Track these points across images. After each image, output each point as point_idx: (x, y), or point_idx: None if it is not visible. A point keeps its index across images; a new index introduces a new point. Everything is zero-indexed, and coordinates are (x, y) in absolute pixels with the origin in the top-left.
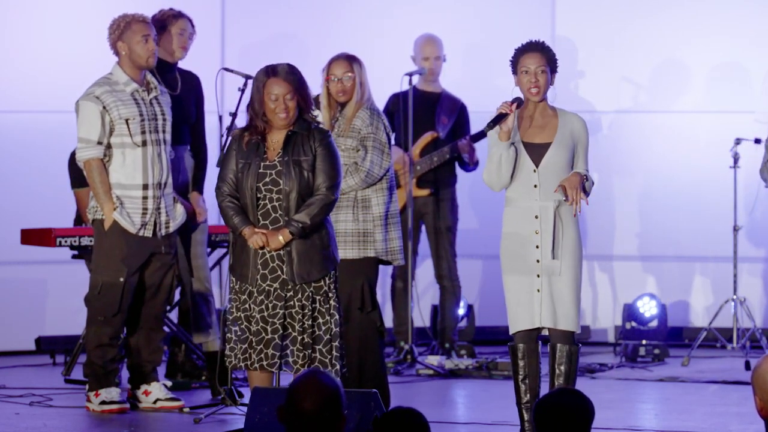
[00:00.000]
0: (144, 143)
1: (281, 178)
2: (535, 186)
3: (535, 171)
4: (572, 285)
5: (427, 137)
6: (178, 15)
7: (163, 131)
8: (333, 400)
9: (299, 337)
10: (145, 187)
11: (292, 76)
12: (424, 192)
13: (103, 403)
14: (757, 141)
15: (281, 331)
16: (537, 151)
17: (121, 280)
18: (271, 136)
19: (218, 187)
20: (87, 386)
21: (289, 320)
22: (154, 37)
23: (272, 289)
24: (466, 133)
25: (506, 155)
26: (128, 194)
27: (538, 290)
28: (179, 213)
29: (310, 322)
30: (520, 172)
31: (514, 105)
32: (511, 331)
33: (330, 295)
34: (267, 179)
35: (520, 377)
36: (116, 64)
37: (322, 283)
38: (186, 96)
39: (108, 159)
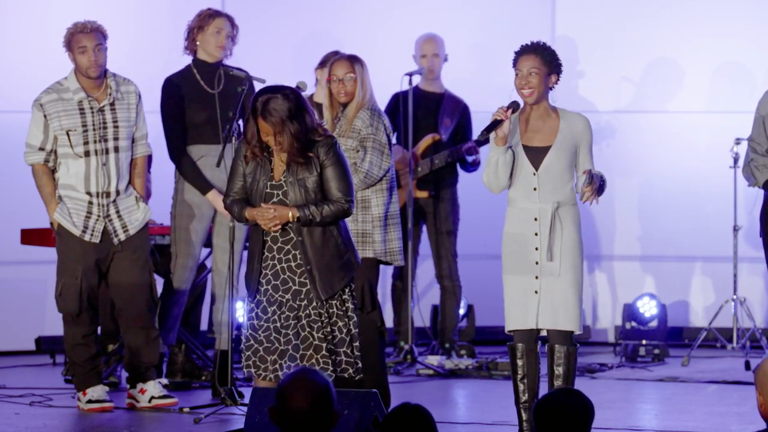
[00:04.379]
0: (87, 154)
1: (287, 199)
2: (535, 189)
3: (534, 174)
4: (573, 286)
5: (428, 139)
6: (214, 14)
7: (115, 138)
8: (324, 398)
9: (323, 345)
10: (89, 194)
11: (276, 116)
12: (424, 194)
13: (90, 402)
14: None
15: (295, 342)
16: (537, 155)
17: (77, 279)
18: (277, 153)
19: (224, 202)
20: (75, 386)
21: (309, 330)
22: (102, 47)
23: (284, 300)
24: (468, 135)
25: (503, 160)
26: (74, 196)
27: (536, 292)
28: (142, 212)
29: (329, 329)
30: (520, 174)
31: (509, 111)
32: (506, 330)
33: (345, 298)
34: (275, 199)
35: (519, 377)
36: (72, 71)
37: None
38: (227, 94)
39: (54, 165)
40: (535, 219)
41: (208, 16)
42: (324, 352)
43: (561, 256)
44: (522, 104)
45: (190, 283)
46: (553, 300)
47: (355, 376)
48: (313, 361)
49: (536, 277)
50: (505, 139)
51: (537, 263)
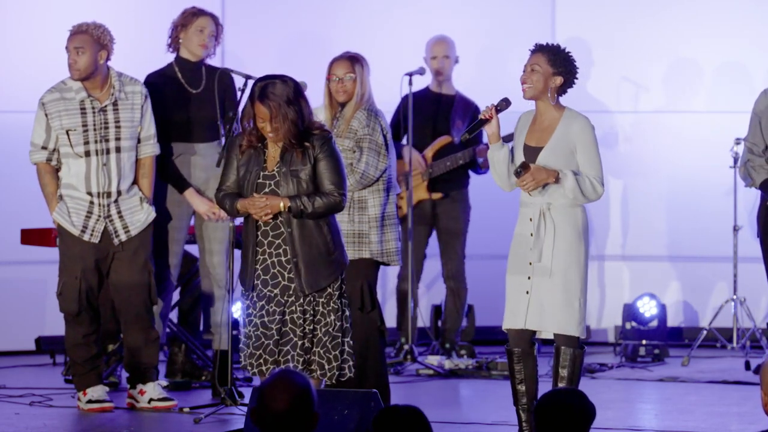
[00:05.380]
0: (87, 154)
1: (279, 189)
2: None
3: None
4: (564, 287)
5: (442, 141)
6: (197, 13)
7: (117, 138)
8: (303, 398)
9: (299, 342)
10: (90, 194)
11: (274, 100)
12: (437, 195)
13: (90, 402)
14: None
15: (277, 337)
16: (531, 155)
17: (77, 279)
18: (272, 144)
19: (216, 196)
20: (75, 386)
21: (291, 326)
22: (84, 51)
23: (273, 295)
24: (479, 137)
25: (497, 156)
26: (75, 195)
27: (527, 292)
28: (145, 213)
29: (311, 327)
30: None
31: (495, 109)
32: (503, 328)
33: (333, 296)
34: (266, 189)
35: (517, 381)
36: None
37: (326, 286)
38: (208, 94)
39: (58, 165)
40: (530, 219)
41: (191, 15)
42: (299, 350)
43: (553, 257)
44: (511, 102)
45: (173, 283)
46: (542, 301)
47: (324, 379)
48: (288, 357)
49: (528, 278)
50: (496, 136)
51: (530, 264)
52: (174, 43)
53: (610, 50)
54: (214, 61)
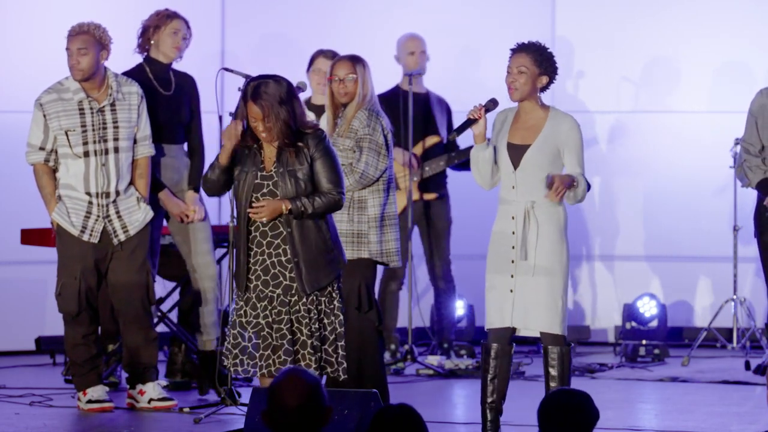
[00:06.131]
0: (86, 154)
1: (278, 189)
2: (513, 187)
3: (513, 172)
4: (547, 286)
5: (431, 140)
6: (172, 15)
7: (115, 139)
8: (314, 394)
9: (309, 341)
10: (88, 194)
11: (267, 100)
12: (432, 196)
13: (90, 402)
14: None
15: (290, 336)
16: (517, 153)
17: (76, 279)
18: (267, 145)
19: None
20: (75, 386)
21: (297, 325)
22: (86, 51)
23: (275, 295)
24: None
25: (482, 156)
26: (74, 195)
27: (511, 290)
28: (143, 212)
29: (316, 326)
30: (503, 172)
31: (483, 110)
32: (485, 328)
33: (334, 295)
34: (264, 190)
35: (489, 377)
36: None
37: (327, 284)
38: (178, 96)
39: (56, 165)
40: (513, 217)
41: (165, 17)
42: (309, 348)
43: (536, 255)
44: (499, 103)
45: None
46: (525, 299)
47: (335, 375)
48: (299, 356)
49: (512, 276)
50: (482, 137)
51: (513, 262)
52: (145, 44)
53: (610, 50)
54: (212, 60)
